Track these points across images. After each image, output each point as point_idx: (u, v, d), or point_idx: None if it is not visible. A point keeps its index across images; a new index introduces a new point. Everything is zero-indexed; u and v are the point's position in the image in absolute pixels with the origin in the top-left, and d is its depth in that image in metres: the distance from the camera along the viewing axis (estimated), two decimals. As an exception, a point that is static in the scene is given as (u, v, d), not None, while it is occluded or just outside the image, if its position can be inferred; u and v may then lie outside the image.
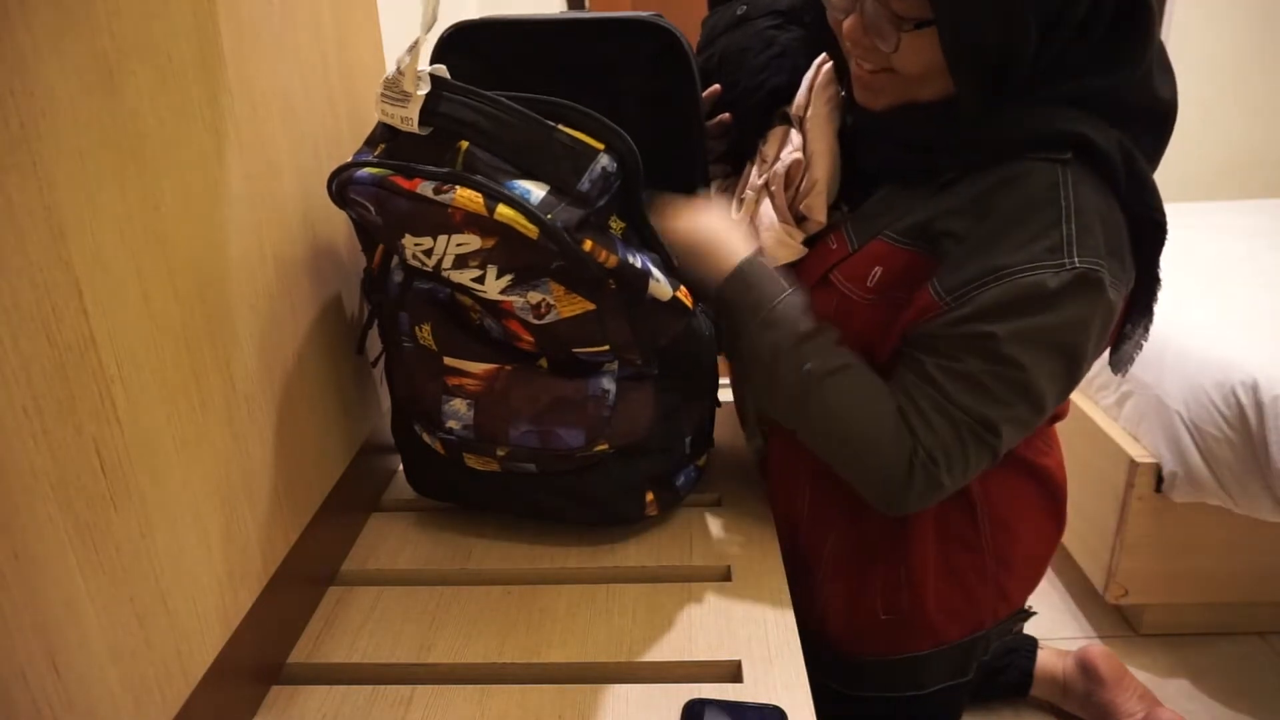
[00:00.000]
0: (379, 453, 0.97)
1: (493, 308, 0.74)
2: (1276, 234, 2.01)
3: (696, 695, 0.67)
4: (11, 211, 0.43)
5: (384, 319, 0.83)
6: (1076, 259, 0.72)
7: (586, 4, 2.11)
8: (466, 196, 0.65)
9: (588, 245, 0.67)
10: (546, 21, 0.86)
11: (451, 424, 0.79)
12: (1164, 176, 0.79)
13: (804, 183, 0.87)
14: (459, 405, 0.78)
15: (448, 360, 0.78)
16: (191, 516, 0.59)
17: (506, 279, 0.70)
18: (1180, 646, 1.63)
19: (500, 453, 0.79)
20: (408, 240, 0.70)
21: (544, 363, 0.77)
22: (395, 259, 0.80)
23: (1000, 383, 0.75)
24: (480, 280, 0.70)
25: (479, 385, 0.77)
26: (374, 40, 0.97)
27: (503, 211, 0.64)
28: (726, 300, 0.82)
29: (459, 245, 0.68)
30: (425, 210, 0.67)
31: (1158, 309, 0.85)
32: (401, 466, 0.98)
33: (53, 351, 0.46)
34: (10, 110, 0.43)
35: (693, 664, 0.72)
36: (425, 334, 0.78)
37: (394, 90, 0.68)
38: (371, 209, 0.70)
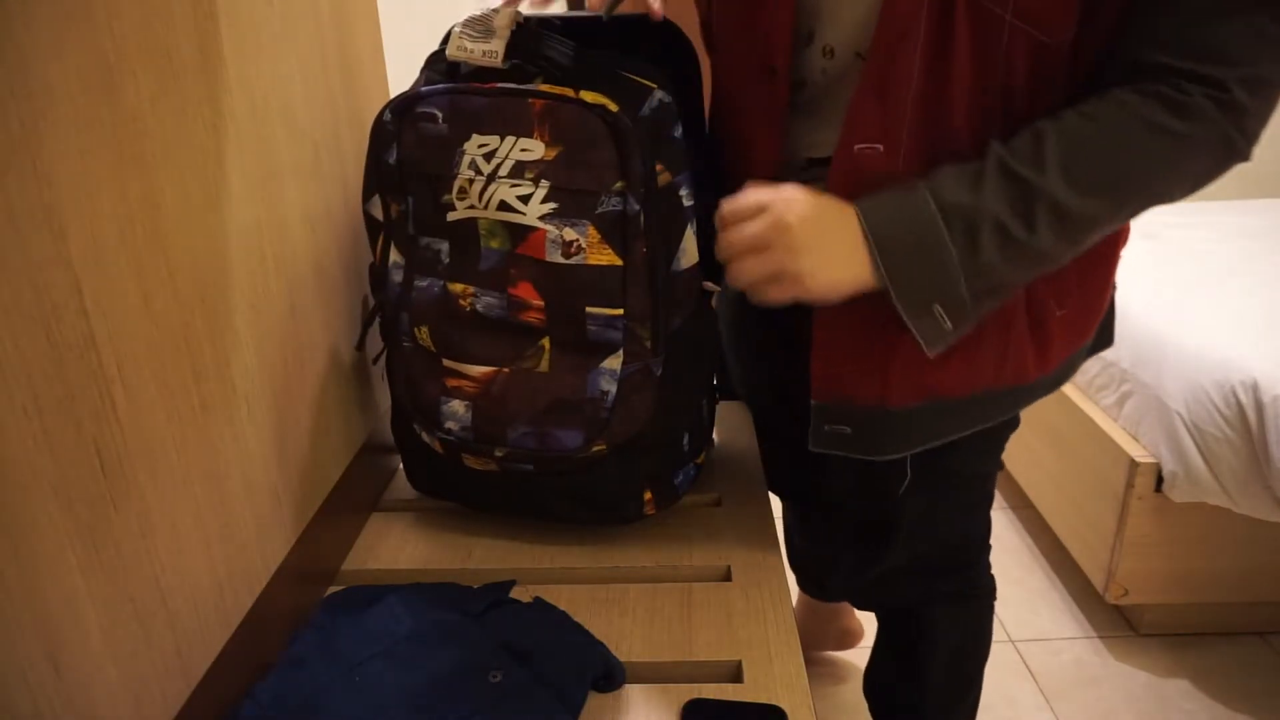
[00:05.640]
0: (379, 452, 0.97)
1: (503, 269, 0.75)
2: (1276, 234, 2.01)
3: (696, 695, 0.67)
4: (11, 211, 0.43)
5: (386, 317, 0.83)
6: None
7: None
8: (550, 86, 0.69)
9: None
10: (556, 19, 0.88)
11: (450, 425, 0.79)
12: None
13: None
14: (457, 407, 0.78)
15: (446, 362, 0.78)
16: (191, 516, 0.59)
17: (550, 206, 0.72)
18: (1180, 646, 1.62)
19: (498, 453, 0.79)
20: (471, 144, 0.72)
21: (544, 364, 0.77)
22: (394, 257, 0.80)
23: None
24: (525, 200, 0.72)
25: (477, 388, 0.77)
26: (374, 41, 0.97)
27: (588, 94, 0.69)
28: (894, 247, 0.67)
29: (523, 150, 0.71)
30: (503, 105, 0.70)
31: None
32: (402, 466, 0.98)
33: (53, 351, 0.46)
34: (10, 110, 0.43)
35: (693, 664, 0.72)
36: (424, 335, 0.78)
37: (479, 26, 0.72)
38: (440, 115, 0.73)
